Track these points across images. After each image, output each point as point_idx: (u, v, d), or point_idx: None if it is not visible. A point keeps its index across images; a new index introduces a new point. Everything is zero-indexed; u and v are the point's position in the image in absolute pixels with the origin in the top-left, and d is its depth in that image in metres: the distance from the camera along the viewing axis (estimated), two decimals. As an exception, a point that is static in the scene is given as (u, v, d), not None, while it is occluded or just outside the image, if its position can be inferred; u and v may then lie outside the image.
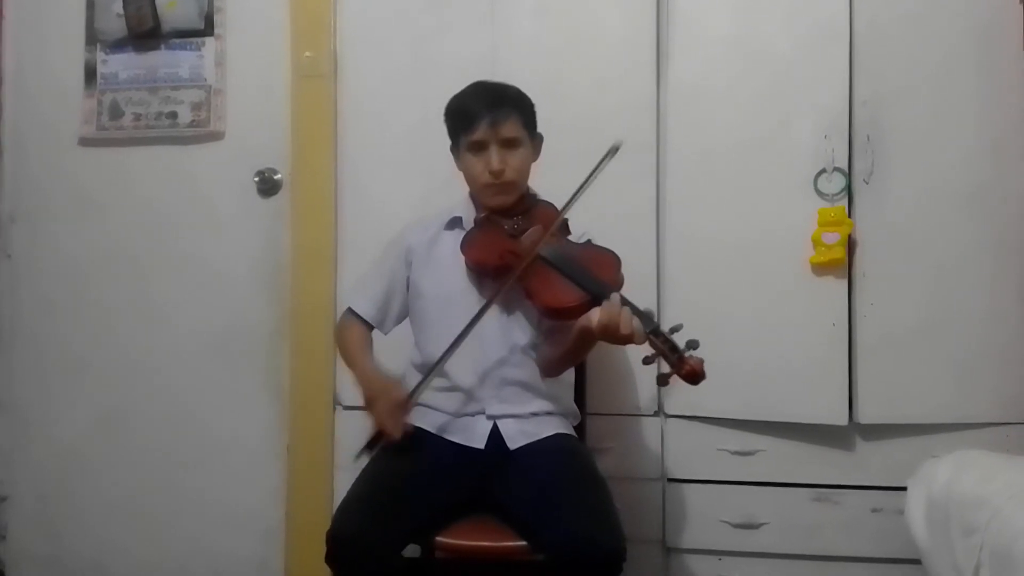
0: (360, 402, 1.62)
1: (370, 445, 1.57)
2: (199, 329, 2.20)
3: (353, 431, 2.04)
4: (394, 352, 1.64)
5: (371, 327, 1.74)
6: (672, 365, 1.39)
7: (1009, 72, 1.89)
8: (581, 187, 1.58)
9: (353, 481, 1.58)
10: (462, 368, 1.64)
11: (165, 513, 2.21)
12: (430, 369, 1.58)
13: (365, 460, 1.59)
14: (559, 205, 1.63)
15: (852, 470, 1.94)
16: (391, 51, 2.10)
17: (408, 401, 1.55)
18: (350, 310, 1.75)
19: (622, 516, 1.49)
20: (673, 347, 1.39)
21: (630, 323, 1.41)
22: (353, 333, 1.73)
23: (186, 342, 2.21)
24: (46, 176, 2.28)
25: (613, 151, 1.56)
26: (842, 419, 1.91)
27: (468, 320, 1.57)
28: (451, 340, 1.58)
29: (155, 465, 2.22)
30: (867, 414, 1.91)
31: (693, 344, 1.38)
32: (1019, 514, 1.39)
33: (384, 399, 1.56)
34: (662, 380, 1.42)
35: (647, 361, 1.43)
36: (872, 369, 1.91)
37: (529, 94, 1.69)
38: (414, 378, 1.72)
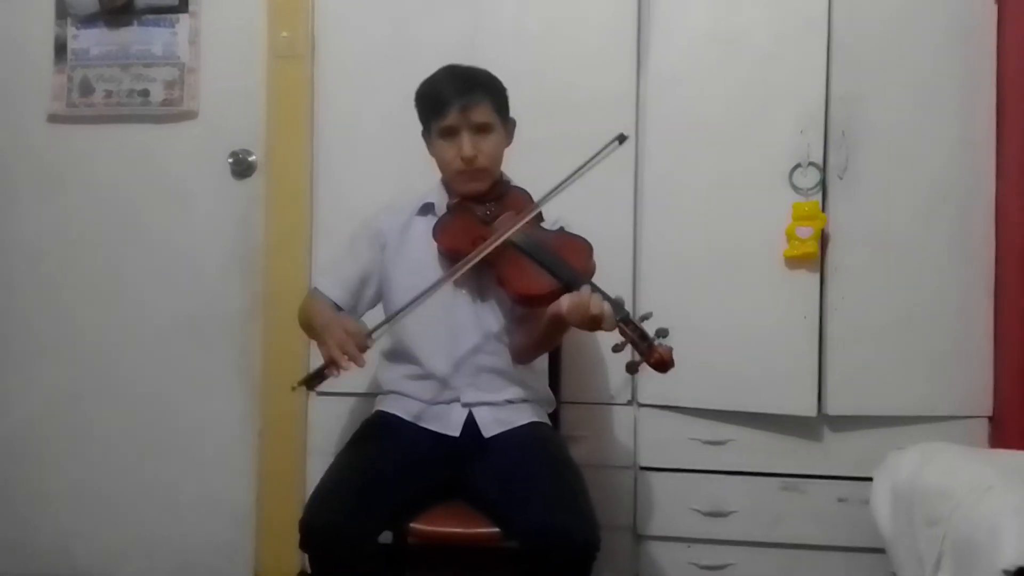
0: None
1: (314, 377, 1.47)
2: (170, 312, 2.17)
3: (327, 417, 2.04)
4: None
5: (337, 310, 1.70)
6: (641, 353, 1.40)
7: (983, 71, 1.92)
8: (576, 172, 1.54)
9: (326, 468, 1.57)
10: (435, 356, 1.64)
11: (133, 499, 2.18)
12: (388, 318, 1.53)
13: (303, 391, 1.50)
14: (547, 188, 1.59)
15: (820, 460, 1.97)
16: (370, 33, 2.07)
17: (366, 336, 1.45)
18: (316, 290, 1.70)
19: (594, 504, 1.50)
20: (643, 335, 1.40)
21: (600, 304, 1.41)
22: (320, 302, 1.66)
23: (157, 325, 2.18)
24: (13, 153, 2.22)
25: (620, 139, 1.54)
26: (811, 410, 1.94)
27: (440, 306, 1.56)
28: (423, 326, 1.58)
29: (122, 450, 2.19)
30: (836, 406, 1.94)
31: (663, 332, 1.39)
32: (980, 506, 1.42)
33: (338, 328, 1.45)
34: (631, 368, 1.43)
35: (616, 349, 1.43)
36: (842, 362, 1.93)
37: (508, 80, 1.68)
38: (385, 367, 1.72)
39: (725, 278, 1.97)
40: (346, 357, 1.42)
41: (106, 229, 2.19)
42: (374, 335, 1.48)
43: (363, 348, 1.45)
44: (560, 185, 1.56)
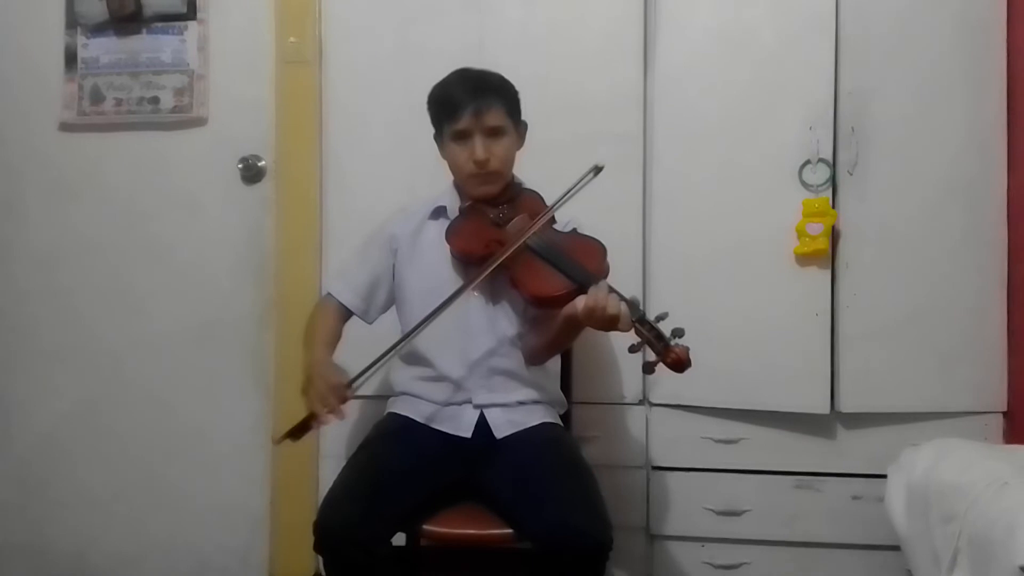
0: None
1: (299, 429, 1.52)
2: (182, 318, 2.18)
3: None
4: (383, 343, 1.63)
5: (348, 315, 1.72)
6: (658, 353, 1.40)
7: (993, 66, 1.91)
8: (559, 202, 1.57)
9: (339, 471, 1.58)
10: (449, 358, 1.64)
11: (147, 504, 2.20)
12: (388, 351, 1.54)
13: (288, 444, 1.54)
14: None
15: (834, 458, 1.96)
16: (376, 37, 2.08)
17: (346, 388, 1.50)
18: (330, 295, 1.73)
19: (607, 504, 1.50)
20: (659, 335, 1.40)
21: (616, 305, 1.42)
22: (325, 320, 1.69)
23: (169, 332, 2.19)
24: (25, 161, 2.24)
25: (596, 171, 1.55)
26: (824, 408, 1.93)
27: (454, 310, 1.56)
28: (437, 329, 1.58)
29: (137, 456, 2.20)
30: (849, 403, 1.93)
31: (679, 332, 1.40)
32: (996, 502, 1.41)
33: (321, 382, 1.51)
34: (648, 368, 1.44)
35: (633, 349, 1.44)
36: (854, 359, 1.93)
37: (516, 82, 1.69)
38: (401, 368, 1.73)
39: (735, 276, 1.96)
40: (327, 411, 1.47)
41: (117, 236, 2.21)
42: (355, 384, 1.51)
43: (343, 400, 1.50)
44: (540, 216, 1.58)
